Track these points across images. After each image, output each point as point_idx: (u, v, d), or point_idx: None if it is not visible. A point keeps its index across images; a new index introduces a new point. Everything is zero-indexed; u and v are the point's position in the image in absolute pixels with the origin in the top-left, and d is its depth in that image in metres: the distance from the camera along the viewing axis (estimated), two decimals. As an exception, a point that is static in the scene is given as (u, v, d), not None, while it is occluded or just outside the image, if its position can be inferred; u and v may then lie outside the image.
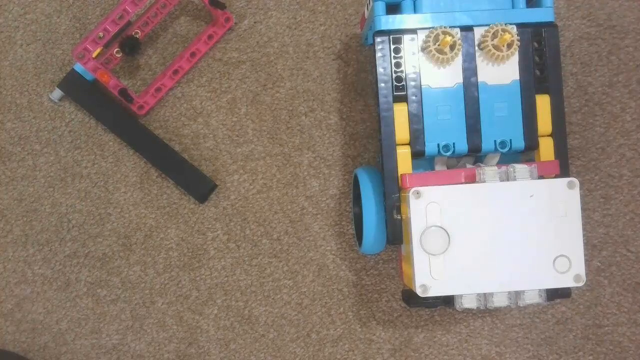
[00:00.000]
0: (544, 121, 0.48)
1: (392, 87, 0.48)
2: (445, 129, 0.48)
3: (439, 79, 0.48)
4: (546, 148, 0.48)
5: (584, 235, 0.58)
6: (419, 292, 0.43)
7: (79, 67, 0.56)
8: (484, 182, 0.43)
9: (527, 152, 0.49)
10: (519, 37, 0.47)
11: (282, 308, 0.59)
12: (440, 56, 0.47)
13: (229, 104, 0.59)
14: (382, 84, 0.48)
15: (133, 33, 0.58)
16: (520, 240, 0.43)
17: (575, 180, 0.43)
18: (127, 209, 0.59)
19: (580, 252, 0.43)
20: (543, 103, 0.48)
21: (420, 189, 0.43)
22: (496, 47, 0.47)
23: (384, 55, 0.48)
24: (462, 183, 0.44)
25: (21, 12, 0.59)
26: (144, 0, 0.53)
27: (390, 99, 0.48)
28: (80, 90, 0.57)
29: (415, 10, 0.48)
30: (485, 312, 0.59)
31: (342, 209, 0.59)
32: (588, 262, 0.58)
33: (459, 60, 0.47)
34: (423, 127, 0.48)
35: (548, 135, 0.48)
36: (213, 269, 0.59)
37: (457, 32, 0.47)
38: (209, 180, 0.58)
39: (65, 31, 0.60)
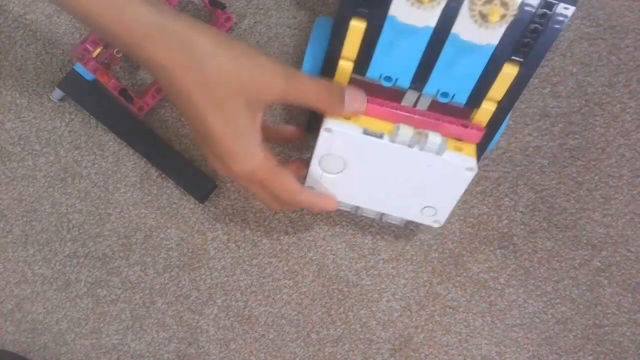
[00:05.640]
0: (499, 88, 0.44)
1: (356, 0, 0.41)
2: (394, 64, 0.43)
3: (409, 15, 0.41)
4: (485, 112, 0.45)
5: (583, 233, 0.58)
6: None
7: (79, 67, 0.56)
8: (394, 142, 0.44)
9: (465, 107, 0.46)
10: (516, 13, 0.40)
11: (282, 308, 0.59)
12: (417, 3, 0.40)
13: (229, 104, 0.59)
14: None
15: (133, 33, 0.58)
16: (404, 189, 0.47)
17: (475, 168, 0.44)
18: (127, 209, 0.59)
19: (449, 209, 0.48)
20: (508, 72, 0.43)
21: (334, 127, 0.44)
22: (483, 16, 0.40)
23: None
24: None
25: (21, 12, 0.59)
26: (144, 0, 0.53)
27: (351, 11, 0.42)
28: (80, 90, 0.57)
29: None
30: (486, 311, 0.59)
31: (342, 209, 0.59)
32: (588, 262, 0.58)
33: (439, 8, 0.41)
34: (372, 54, 0.43)
35: (495, 101, 0.45)
36: (213, 269, 0.59)
37: None
38: (209, 180, 0.58)
39: (65, 31, 0.59)
